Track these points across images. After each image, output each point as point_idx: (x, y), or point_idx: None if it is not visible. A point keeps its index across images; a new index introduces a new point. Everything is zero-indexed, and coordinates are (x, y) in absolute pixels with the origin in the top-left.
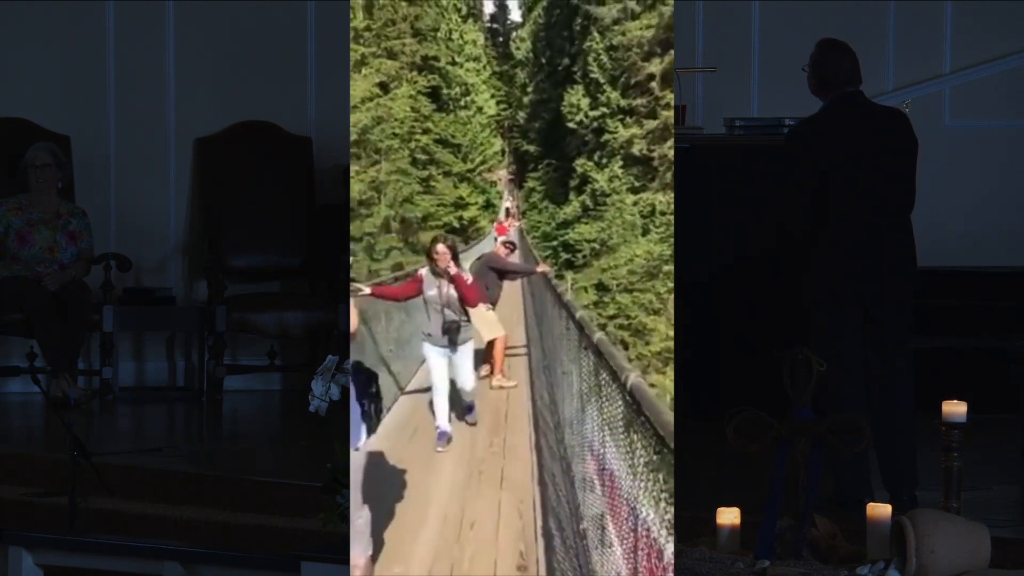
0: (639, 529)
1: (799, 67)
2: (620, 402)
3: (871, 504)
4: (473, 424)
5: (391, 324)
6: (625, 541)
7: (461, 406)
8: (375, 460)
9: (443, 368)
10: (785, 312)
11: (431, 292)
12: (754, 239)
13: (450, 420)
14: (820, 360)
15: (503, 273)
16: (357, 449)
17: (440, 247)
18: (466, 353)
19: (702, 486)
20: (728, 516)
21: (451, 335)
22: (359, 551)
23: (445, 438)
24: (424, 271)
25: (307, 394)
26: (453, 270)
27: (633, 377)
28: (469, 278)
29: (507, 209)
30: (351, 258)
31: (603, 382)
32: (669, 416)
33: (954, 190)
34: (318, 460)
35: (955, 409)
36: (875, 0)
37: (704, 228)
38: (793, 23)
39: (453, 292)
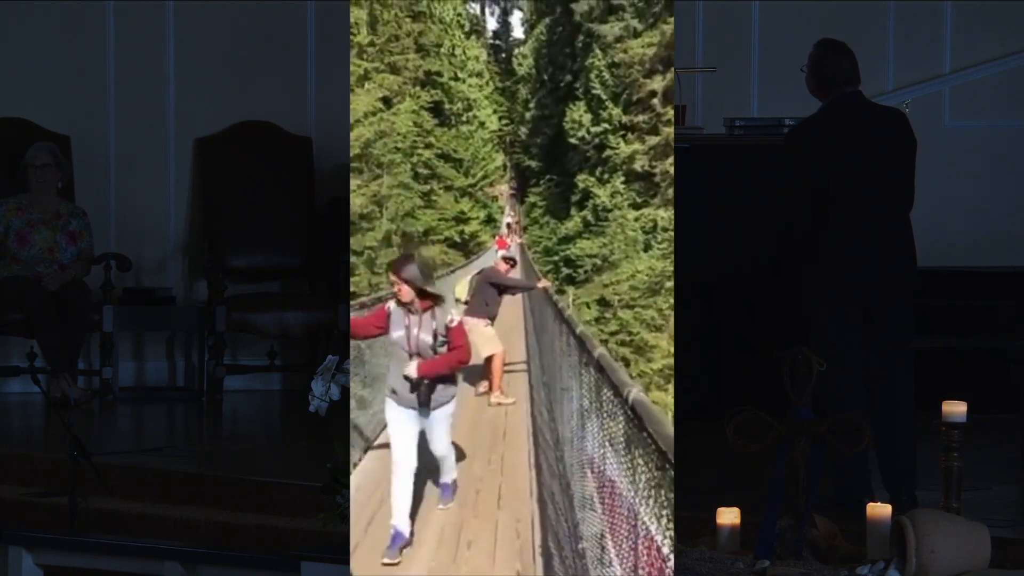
0: (639, 548)
1: (799, 67)
2: (622, 418)
3: (871, 504)
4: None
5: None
6: (625, 561)
7: (436, 483)
8: (370, 478)
9: (409, 437)
10: (785, 312)
11: (397, 333)
12: (754, 239)
13: (412, 517)
14: (820, 360)
15: (503, 288)
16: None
17: (392, 276)
18: (442, 418)
19: (702, 486)
20: (728, 516)
21: (422, 393)
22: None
23: (400, 542)
24: (392, 304)
25: (307, 394)
26: (451, 317)
27: (635, 392)
28: (457, 321)
29: (508, 224)
30: (351, 275)
31: (604, 398)
32: (671, 431)
33: (954, 190)
34: (318, 460)
35: (955, 409)
36: (875, 0)
37: (704, 228)
38: (793, 23)
39: (427, 336)
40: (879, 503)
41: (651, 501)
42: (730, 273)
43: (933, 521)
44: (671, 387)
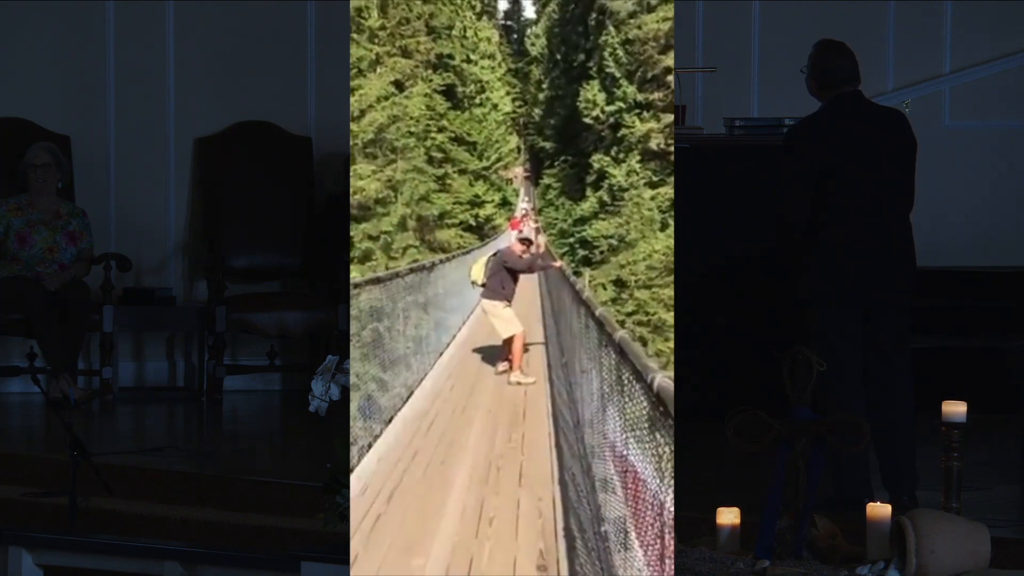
0: (666, 536)
1: (799, 67)
2: (645, 402)
3: (871, 504)
4: None
5: (408, 322)
6: (651, 548)
7: None
8: (393, 450)
9: None
10: (785, 312)
11: None
12: (754, 239)
13: None
14: (820, 360)
15: (516, 271)
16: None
17: None
18: None
19: (702, 486)
20: (728, 516)
21: None
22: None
23: None
24: None
25: (307, 394)
26: None
27: (660, 378)
28: None
29: (523, 209)
30: (350, 257)
31: (625, 381)
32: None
33: (954, 190)
34: (318, 460)
35: (955, 409)
36: (875, 0)
37: (704, 228)
38: (793, 23)
39: None
40: (879, 503)
41: (674, 487)
42: (730, 273)
43: (933, 521)
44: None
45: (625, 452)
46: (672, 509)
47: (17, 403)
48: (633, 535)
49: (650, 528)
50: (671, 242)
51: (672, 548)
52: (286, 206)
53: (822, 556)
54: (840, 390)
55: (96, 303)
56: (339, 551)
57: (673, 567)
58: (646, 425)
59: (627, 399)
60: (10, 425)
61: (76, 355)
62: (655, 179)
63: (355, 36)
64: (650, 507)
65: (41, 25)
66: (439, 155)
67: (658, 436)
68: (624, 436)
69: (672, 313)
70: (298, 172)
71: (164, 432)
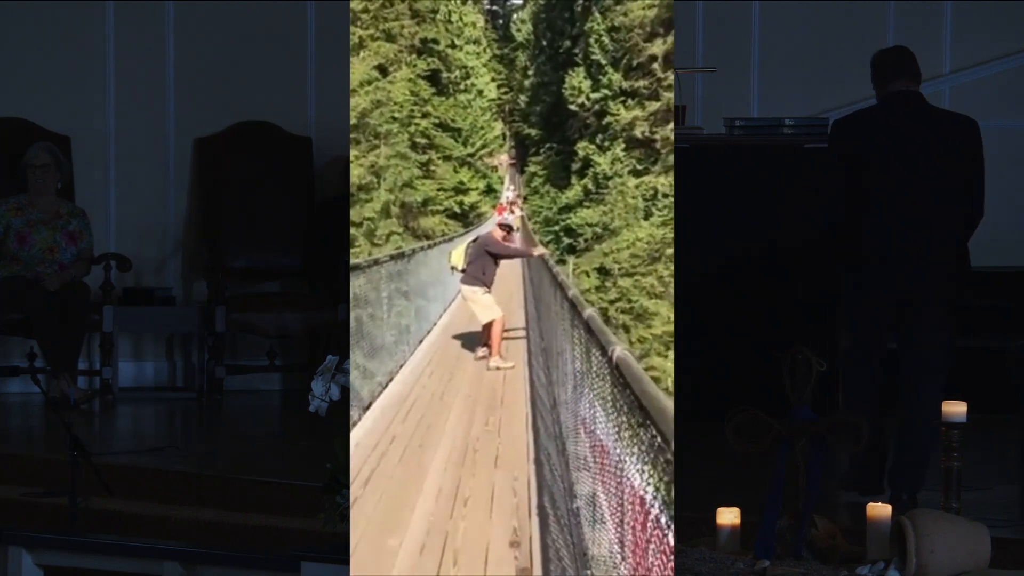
0: (626, 502)
1: (799, 67)
2: (609, 377)
3: (871, 504)
4: None
5: (392, 310)
6: (615, 515)
7: None
8: (371, 435)
9: None
10: (785, 312)
11: None
12: (754, 239)
13: None
14: (820, 360)
15: (498, 256)
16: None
17: None
18: None
19: (702, 486)
20: (728, 516)
21: None
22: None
23: None
24: None
25: (307, 394)
26: None
27: (619, 351)
28: None
29: (508, 196)
30: (351, 248)
31: (594, 359)
32: (654, 388)
33: None
34: (318, 460)
35: (955, 409)
36: (875, 0)
37: (704, 228)
38: (793, 23)
39: None
40: (879, 503)
41: (635, 457)
42: (730, 273)
43: (933, 521)
44: (671, 354)
45: (594, 427)
46: (643, 480)
47: (17, 403)
48: (603, 506)
49: (614, 496)
50: (655, 230)
51: (638, 513)
52: (286, 206)
53: (822, 556)
54: (852, 387)
55: (96, 303)
56: (339, 551)
57: (672, 552)
58: (610, 399)
59: (595, 376)
60: (10, 425)
61: (76, 355)
62: (639, 167)
63: None
64: (613, 476)
65: (41, 25)
66: (423, 141)
67: (620, 407)
68: (592, 412)
69: (655, 301)
70: (298, 172)
71: (164, 432)
